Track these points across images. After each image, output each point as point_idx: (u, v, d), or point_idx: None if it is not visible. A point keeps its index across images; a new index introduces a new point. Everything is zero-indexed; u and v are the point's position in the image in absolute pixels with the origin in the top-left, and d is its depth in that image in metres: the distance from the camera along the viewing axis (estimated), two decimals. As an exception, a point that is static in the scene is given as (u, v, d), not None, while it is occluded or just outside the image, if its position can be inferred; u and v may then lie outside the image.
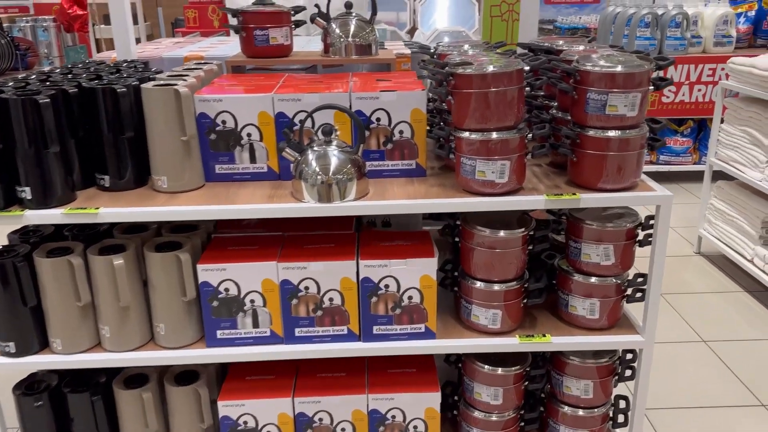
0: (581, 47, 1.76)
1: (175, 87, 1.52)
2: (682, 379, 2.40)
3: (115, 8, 2.14)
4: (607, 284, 1.65)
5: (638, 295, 1.68)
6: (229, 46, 2.61)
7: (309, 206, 1.51)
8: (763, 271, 2.93)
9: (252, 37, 2.01)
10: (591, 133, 1.51)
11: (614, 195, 1.54)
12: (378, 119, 1.66)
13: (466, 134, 1.51)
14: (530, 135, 1.53)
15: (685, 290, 3.08)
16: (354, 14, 2.09)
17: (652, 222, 1.60)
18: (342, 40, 2.05)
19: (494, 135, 1.49)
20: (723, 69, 3.54)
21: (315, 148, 1.54)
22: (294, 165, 1.55)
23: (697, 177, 3.84)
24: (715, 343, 2.61)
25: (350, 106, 1.64)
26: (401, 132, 1.67)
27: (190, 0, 6.02)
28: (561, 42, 1.88)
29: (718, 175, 3.22)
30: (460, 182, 1.58)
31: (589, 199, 1.53)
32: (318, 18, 2.08)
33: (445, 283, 1.75)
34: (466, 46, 1.96)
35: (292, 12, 2.09)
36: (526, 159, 1.55)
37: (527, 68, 1.51)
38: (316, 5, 2.08)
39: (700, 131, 4.76)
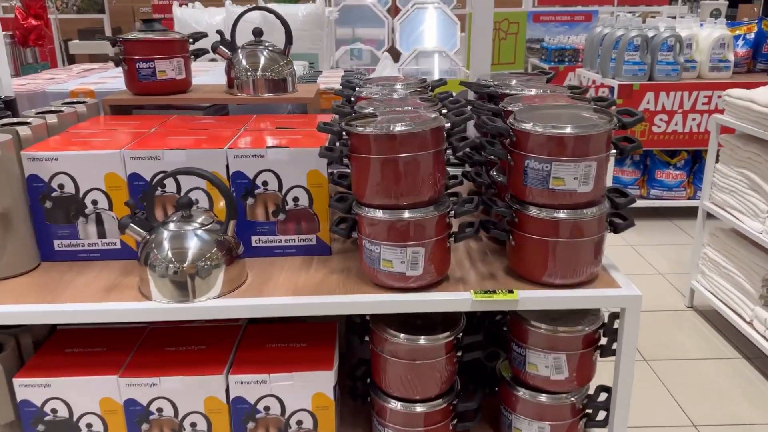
0: (533, 92, 1.39)
1: (-20, 145, 1.14)
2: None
3: (-20, 33, 1.77)
4: (560, 404, 1.26)
5: (601, 415, 1.29)
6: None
7: (153, 307, 1.13)
8: (764, 337, 2.53)
9: (135, 71, 1.63)
10: (532, 211, 1.12)
11: (564, 293, 1.15)
12: (265, 183, 1.28)
13: (368, 212, 1.14)
14: (452, 213, 1.15)
15: (674, 356, 2.68)
16: (266, 43, 1.72)
17: (617, 324, 1.22)
18: (249, 74, 1.67)
19: (405, 214, 1.11)
20: (720, 96, 3.17)
21: (169, 226, 1.16)
22: (140, 248, 1.16)
23: (691, 213, 3.43)
24: (708, 428, 2.22)
25: (227, 166, 1.26)
26: (296, 200, 1.29)
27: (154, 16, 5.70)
28: (514, 82, 1.51)
29: (714, 216, 2.84)
30: (364, 271, 1.20)
31: (529, 300, 1.14)
32: (221, 47, 1.70)
33: (356, 394, 1.36)
34: (398, 85, 1.59)
35: (190, 40, 1.72)
36: (449, 242, 1.17)
37: (448, 125, 1.13)
38: (219, 32, 1.71)
39: (695, 163, 4.38)
